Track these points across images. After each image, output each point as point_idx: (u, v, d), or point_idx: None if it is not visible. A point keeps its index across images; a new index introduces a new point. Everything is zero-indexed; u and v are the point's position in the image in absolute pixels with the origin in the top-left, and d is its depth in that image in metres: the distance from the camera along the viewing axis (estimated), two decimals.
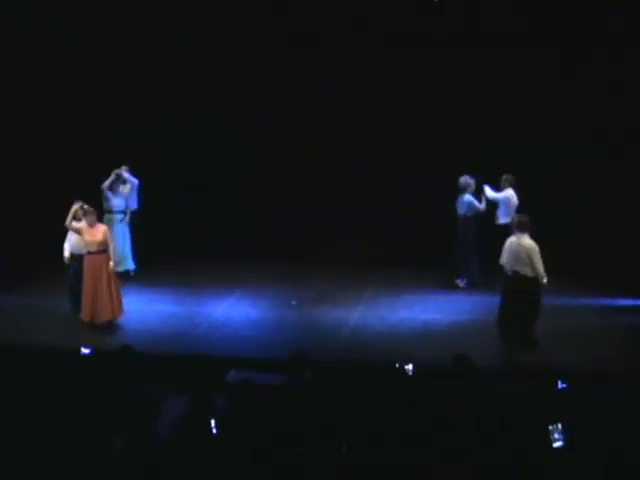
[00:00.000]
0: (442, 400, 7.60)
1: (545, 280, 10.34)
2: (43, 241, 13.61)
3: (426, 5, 13.17)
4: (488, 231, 12.76)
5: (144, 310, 12.28)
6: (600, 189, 13.01)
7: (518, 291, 10.47)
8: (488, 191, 12.92)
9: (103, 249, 11.51)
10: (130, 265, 13.77)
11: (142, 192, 14.06)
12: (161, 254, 14.22)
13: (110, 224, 13.01)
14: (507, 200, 12.83)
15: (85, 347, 8.96)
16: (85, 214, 11.64)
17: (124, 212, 13.69)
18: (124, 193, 13.67)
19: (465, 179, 12.95)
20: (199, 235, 14.50)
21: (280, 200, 14.45)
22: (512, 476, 6.32)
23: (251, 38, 13.88)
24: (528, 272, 10.41)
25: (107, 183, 13.41)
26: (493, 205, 12.99)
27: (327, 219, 14.19)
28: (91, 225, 11.54)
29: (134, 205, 14.00)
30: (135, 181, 13.84)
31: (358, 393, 7.71)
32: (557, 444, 6.76)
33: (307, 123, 14.15)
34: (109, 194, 13.46)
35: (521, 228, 10.52)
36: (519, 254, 10.44)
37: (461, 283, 13.20)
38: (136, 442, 6.64)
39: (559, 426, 6.75)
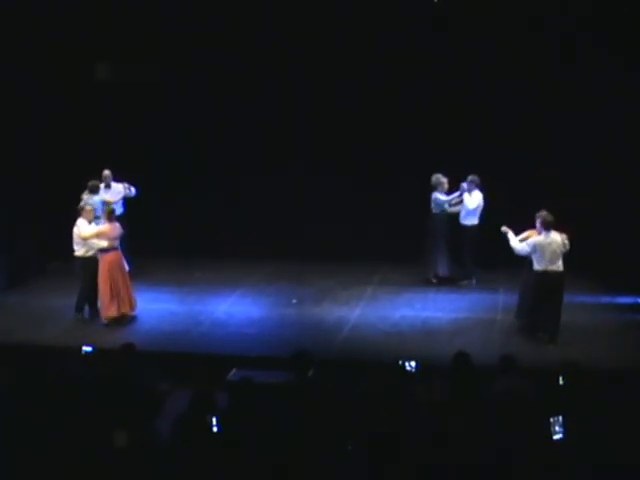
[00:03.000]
0: (443, 397, 7.63)
1: None
2: (40, 240, 13.75)
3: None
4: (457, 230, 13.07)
5: (146, 309, 12.26)
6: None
7: (556, 289, 10.82)
8: (467, 198, 12.94)
9: (118, 246, 11.86)
10: None
11: (143, 192, 14.06)
12: (162, 253, 14.23)
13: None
14: (480, 203, 12.98)
15: (87, 345, 8.94)
16: (109, 213, 11.83)
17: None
18: (105, 198, 13.30)
19: (437, 177, 13.05)
20: (200, 234, 14.50)
21: (280, 199, 14.44)
22: (512, 472, 6.34)
23: (245, 38, 13.87)
24: (561, 267, 10.82)
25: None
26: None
27: (328, 217, 14.19)
28: (111, 224, 11.81)
29: (119, 211, 13.56)
30: (133, 191, 13.67)
31: (359, 391, 7.74)
32: (557, 436, 6.79)
33: (306, 122, 14.14)
34: (92, 198, 13.13)
35: (549, 226, 10.81)
36: (556, 251, 10.78)
37: (433, 279, 13.34)
38: (138, 440, 6.66)
39: (559, 418, 6.78)
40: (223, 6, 13.69)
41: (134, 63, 14.30)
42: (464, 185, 12.94)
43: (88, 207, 11.96)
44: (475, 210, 12.96)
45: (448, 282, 13.24)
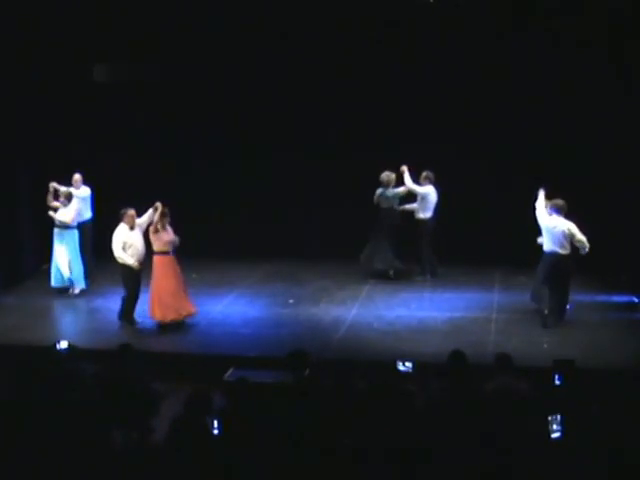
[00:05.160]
0: (439, 396, 7.65)
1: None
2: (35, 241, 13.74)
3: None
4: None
5: (142, 309, 12.23)
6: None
7: (560, 272, 11.27)
8: (407, 179, 13.20)
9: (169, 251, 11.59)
10: (81, 283, 13.05)
11: (140, 192, 14.00)
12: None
13: (60, 238, 12.77)
14: (427, 196, 13.19)
15: (61, 342, 8.82)
16: (164, 216, 11.54)
17: (75, 225, 12.96)
18: (74, 205, 12.94)
19: (387, 174, 13.28)
20: (196, 235, 14.46)
21: (277, 198, 14.44)
22: (511, 471, 6.35)
23: (244, 37, 13.86)
24: (567, 250, 11.23)
25: (50, 199, 12.87)
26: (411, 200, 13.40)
27: (325, 217, 14.19)
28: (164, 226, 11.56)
29: (86, 215, 13.31)
30: (83, 193, 13.26)
31: (356, 391, 7.75)
32: (555, 435, 6.81)
33: (304, 121, 14.14)
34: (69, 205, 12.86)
35: (554, 209, 11.27)
36: (557, 235, 11.19)
37: (392, 274, 13.51)
38: (135, 440, 6.68)
39: (557, 417, 6.80)
40: (220, 5, 13.67)
41: (132, 64, 14.26)
42: (403, 168, 13.23)
43: (130, 212, 11.61)
44: (427, 201, 13.17)
45: (384, 277, 13.41)
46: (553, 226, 11.26)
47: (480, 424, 6.99)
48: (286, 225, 14.26)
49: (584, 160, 13.06)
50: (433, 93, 13.56)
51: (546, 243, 11.35)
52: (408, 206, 13.41)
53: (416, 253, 13.40)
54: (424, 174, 13.22)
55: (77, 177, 13.35)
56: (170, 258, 11.54)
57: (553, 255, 11.27)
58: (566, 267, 11.30)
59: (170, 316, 11.51)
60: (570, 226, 11.22)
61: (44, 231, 13.11)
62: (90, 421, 6.87)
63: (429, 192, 13.20)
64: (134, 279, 11.65)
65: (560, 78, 13.09)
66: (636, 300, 12.36)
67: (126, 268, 11.59)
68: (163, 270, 11.49)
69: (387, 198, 13.29)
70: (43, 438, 6.70)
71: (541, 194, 11.56)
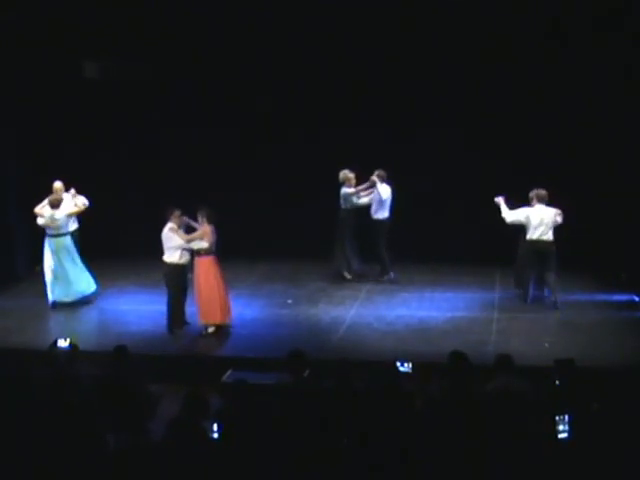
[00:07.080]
0: (439, 397, 7.60)
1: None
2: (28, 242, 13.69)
3: None
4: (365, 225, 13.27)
5: (139, 310, 12.23)
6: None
7: (547, 256, 11.77)
8: (380, 188, 13.11)
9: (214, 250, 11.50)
10: (89, 288, 12.69)
11: (138, 192, 13.98)
12: (156, 254, 14.14)
13: (56, 248, 12.37)
14: (385, 197, 13.19)
15: (62, 340, 8.75)
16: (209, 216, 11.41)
17: (70, 233, 12.63)
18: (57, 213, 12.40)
19: (344, 173, 13.27)
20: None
21: (275, 198, 14.41)
22: (510, 471, 6.31)
23: (238, 36, 13.84)
24: (551, 237, 11.75)
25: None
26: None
27: (324, 217, 14.13)
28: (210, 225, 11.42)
29: (73, 226, 12.90)
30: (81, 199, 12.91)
31: (356, 391, 7.71)
32: (562, 435, 6.76)
33: (303, 121, 14.11)
34: (56, 214, 12.34)
35: (537, 198, 11.81)
36: (544, 221, 11.71)
37: (348, 275, 13.49)
38: (132, 442, 6.63)
39: (565, 417, 6.76)
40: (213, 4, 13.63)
41: (123, 62, 14.20)
42: (374, 178, 13.12)
43: (177, 212, 11.45)
44: (385, 202, 13.14)
45: (362, 277, 13.41)
46: (542, 217, 11.68)
47: (480, 424, 6.94)
48: (284, 225, 14.22)
49: (584, 159, 13.03)
50: (434, 85, 13.51)
51: (531, 233, 11.74)
52: (364, 200, 13.32)
53: (373, 254, 13.32)
54: (377, 172, 13.10)
55: (58, 185, 12.72)
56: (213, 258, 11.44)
57: (539, 242, 11.71)
58: (553, 251, 11.75)
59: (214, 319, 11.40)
60: (556, 212, 11.69)
61: (36, 233, 13.01)
62: (86, 424, 6.81)
63: (389, 191, 13.14)
64: (180, 278, 11.47)
65: (559, 77, 13.06)
66: (636, 299, 12.34)
67: (173, 267, 11.44)
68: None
69: (345, 198, 13.23)
70: (39, 441, 6.65)
71: (502, 203, 12.03)
